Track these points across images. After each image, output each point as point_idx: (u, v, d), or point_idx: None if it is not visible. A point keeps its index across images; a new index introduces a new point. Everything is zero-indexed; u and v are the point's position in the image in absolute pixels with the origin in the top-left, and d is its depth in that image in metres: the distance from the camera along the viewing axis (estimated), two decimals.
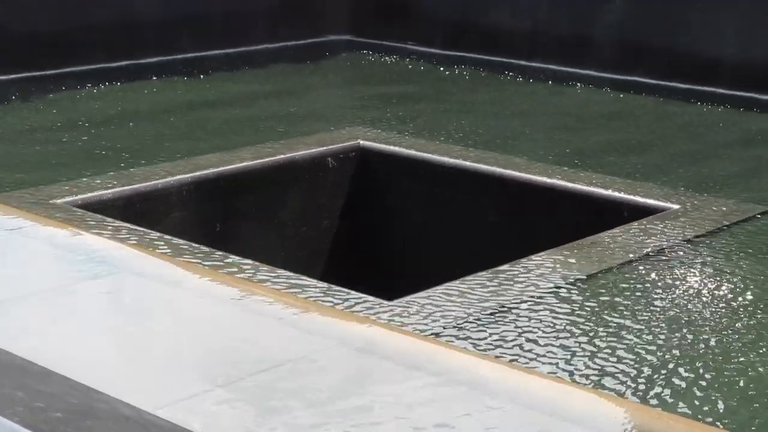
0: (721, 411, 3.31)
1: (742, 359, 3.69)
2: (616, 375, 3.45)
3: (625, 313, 3.99)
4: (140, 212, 5.51)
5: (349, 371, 2.64)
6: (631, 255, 4.60)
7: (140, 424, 1.69)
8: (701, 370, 3.58)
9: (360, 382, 2.58)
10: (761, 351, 3.75)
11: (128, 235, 4.43)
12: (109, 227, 4.61)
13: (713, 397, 3.39)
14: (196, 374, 2.53)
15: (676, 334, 3.85)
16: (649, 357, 3.62)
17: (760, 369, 3.61)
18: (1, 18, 9.21)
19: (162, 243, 4.40)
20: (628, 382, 3.42)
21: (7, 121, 7.79)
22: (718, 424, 3.22)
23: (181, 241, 4.51)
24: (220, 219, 6.13)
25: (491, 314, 3.87)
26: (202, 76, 9.31)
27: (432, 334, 3.59)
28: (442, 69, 9.82)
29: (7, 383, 1.77)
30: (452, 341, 3.53)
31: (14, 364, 1.97)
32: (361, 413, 2.31)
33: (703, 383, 3.48)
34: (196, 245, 4.51)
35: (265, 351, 2.66)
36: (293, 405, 2.33)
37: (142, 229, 4.66)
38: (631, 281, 4.34)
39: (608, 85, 9.35)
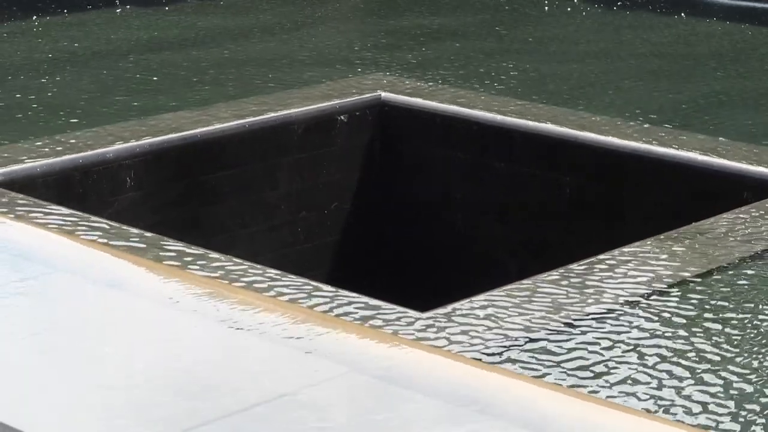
0: None
1: None
2: (720, 413, 3.45)
3: (740, 330, 3.98)
4: (82, 192, 5.53)
5: (366, 407, 2.65)
6: (744, 249, 4.58)
7: None
8: None
9: (381, 422, 2.59)
10: None
11: (66, 223, 4.44)
12: (40, 212, 4.62)
13: None
14: (156, 415, 2.55)
15: None
16: (758, 380, 3.61)
17: None
18: None
19: (111, 233, 4.41)
20: (718, 413, 3.42)
21: None
22: None
23: (137, 231, 4.52)
24: (188, 200, 6.14)
25: (559, 330, 3.87)
26: (159, 6, 9.31)
27: (478, 356, 3.60)
28: None
29: None
30: (506, 367, 3.54)
31: None
32: None
33: None
34: (157, 236, 4.52)
35: (252, 381, 2.67)
36: None
37: (84, 214, 4.67)
38: (751, 285, 4.33)
39: (720, 14, 9.31)
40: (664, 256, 4.56)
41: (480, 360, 3.55)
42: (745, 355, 3.81)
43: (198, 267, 4.12)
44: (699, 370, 3.70)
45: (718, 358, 3.78)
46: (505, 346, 3.74)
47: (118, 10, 9.16)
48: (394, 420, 2.57)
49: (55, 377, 2.76)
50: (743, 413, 3.48)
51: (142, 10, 9.19)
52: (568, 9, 9.37)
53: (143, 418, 2.55)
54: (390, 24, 8.97)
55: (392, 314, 3.91)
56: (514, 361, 3.64)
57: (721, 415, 3.45)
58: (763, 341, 3.92)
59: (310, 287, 4.09)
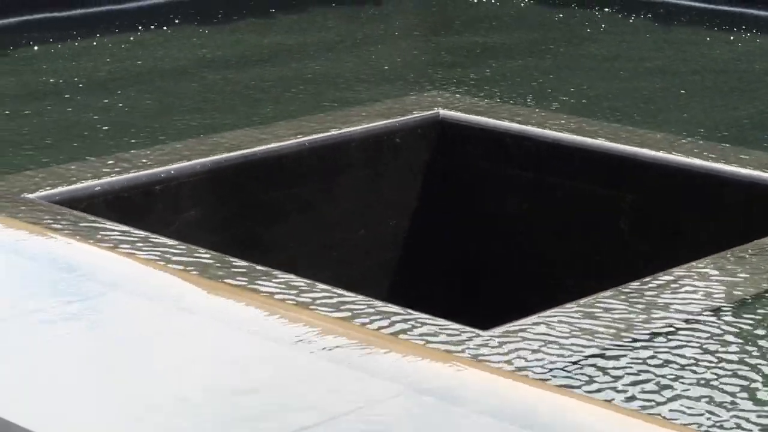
0: None
1: None
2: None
3: None
4: (142, 210, 5.54)
5: (424, 427, 2.63)
6: None
7: None
8: None
9: None
10: None
11: (126, 242, 4.45)
12: (101, 231, 4.63)
13: None
14: None
15: None
16: None
17: None
18: None
19: (172, 252, 4.42)
20: None
21: None
22: None
23: (197, 249, 4.53)
24: (248, 218, 6.14)
25: (616, 348, 3.83)
26: (221, 25, 9.35)
27: (537, 375, 3.57)
28: (552, 10, 9.77)
29: None
30: (564, 385, 3.51)
31: None
32: None
33: None
34: (218, 254, 4.52)
35: (310, 401, 2.66)
36: None
37: (144, 233, 4.68)
38: None
39: None
40: (723, 274, 4.52)
41: (538, 379, 3.52)
42: None
43: (257, 285, 4.11)
44: (755, 389, 3.65)
45: None
46: (563, 365, 3.71)
47: (178, 29, 9.20)
48: None
49: (112, 397, 2.75)
50: None
51: (203, 28, 9.22)
52: (625, 26, 9.33)
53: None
54: (447, 42, 8.97)
55: (451, 332, 3.89)
56: (571, 380, 3.61)
57: None
58: None
59: (369, 306, 4.07)
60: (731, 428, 3.42)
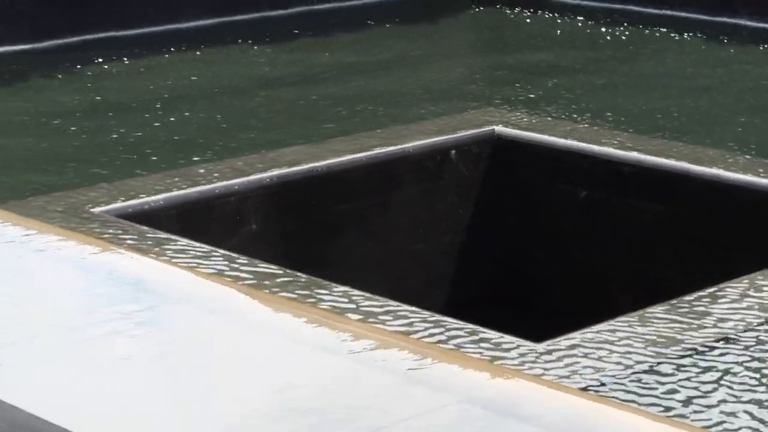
0: None
1: None
2: None
3: None
4: (204, 224, 5.54)
5: None
6: None
7: None
8: None
9: None
10: None
11: (188, 256, 4.45)
12: (161, 244, 4.64)
13: None
14: None
15: None
16: None
17: None
18: None
19: (232, 265, 4.41)
20: None
21: (26, 104, 7.93)
22: None
23: (257, 263, 4.52)
24: (308, 232, 6.13)
25: (676, 361, 3.79)
26: (281, 43, 9.37)
27: (594, 388, 3.53)
28: (602, 29, 9.75)
29: None
30: (615, 398, 3.47)
31: (14, 421, 1.98)
32: None
33: None
34: (277, 267, 4.51)
35: (362, 411, 2.63)
36: None
37: (206, 246, 4.68)
38: None
39: None
40: None
41: (590, 391, 3.48)
42: None
43: (315, 298, 4.09)
44: None
45: None
46: (616, 377, 3.67)
47: (240, 47, 9.23)
48: None
49: (171, 407, 2.74)
50: None
51: (266, 47, 9.25)
52: (675, 44, 9.29)
53: None
54: (500, 60, 8.95)
55: (505, 345, 3.85)
56: (625, 392, 3.57)
57: None
58: None
59: (424, 318, 4.04)
60: None
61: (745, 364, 3.80)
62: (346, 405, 2.62)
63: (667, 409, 3.48)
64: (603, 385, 3.61)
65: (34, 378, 2.87)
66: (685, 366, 3.75)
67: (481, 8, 10.85)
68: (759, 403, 3.57)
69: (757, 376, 3.73)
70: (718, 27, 9.65)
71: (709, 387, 3.62)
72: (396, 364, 2.88)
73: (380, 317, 3.96)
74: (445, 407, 2.64)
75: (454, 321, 4.06)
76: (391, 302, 4.21)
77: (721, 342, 3.94)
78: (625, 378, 3.66)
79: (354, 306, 4.06)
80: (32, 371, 2.91)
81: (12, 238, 3.74)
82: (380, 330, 3.57)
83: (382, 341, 3.04)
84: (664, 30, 9.75)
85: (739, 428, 3.39)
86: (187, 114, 7.52)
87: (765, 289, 4.41)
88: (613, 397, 3.48)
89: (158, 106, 7.76)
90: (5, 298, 3.36)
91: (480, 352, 3.71)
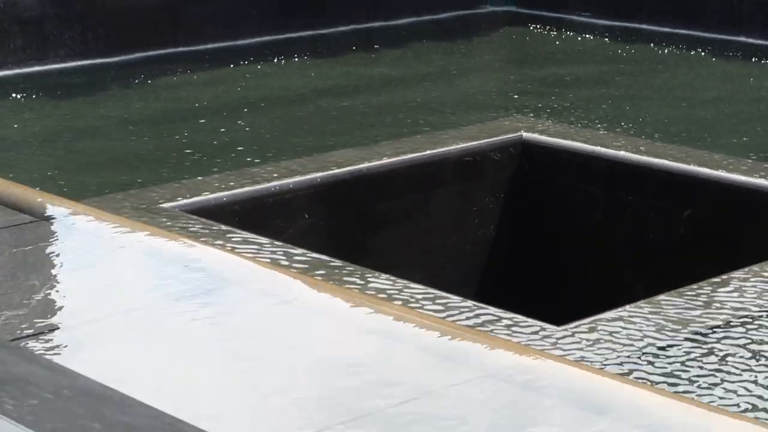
0: None
1: None
2: None
3: None
4: (261, 219, 5.54)
5: (500, 410, 2.58)
6: None
7: None
8: None
9: (515, 425, 2.52)
10: None
11: (246, 246, 4.45)
12: (224, 236, 4.64)
13: None
14: (312, 412, 2.52)
15: None
16: None
17: None
18: None
19: (286, 255, 4.41)
20: None
21: (107, 112, 7.97)
22: None
23: (308, 253, 4.51)
24: (354, 227, 6.13)
25: (684, 343, 3.76)
26: (331, 58, 9.38)
27: (611, 367, 3.51)
28: (619, 46, 9.69)
29: (82, 412, 1.78)
30: (637, 377, 3.44)
31: (92, 391, 1.98)
32: None
33: None
34: (327, 258, 4.50)
35: (401, 382, 2.63)
36: None
37: (263, 238, 4.68)
38: None
39: None
40: None
41: (605, 369, 3.46)
42: None
43: (361, 285, 4.09)
44: None
45: None
46: (628, 357, 3.65)
47: (296, 62, 9.23)
48: (522, 416, 2.50)
49: (229, 377, 2.74)
50: None
51: (318, 60, 9.25)
52: (685, 60, 9.23)
53: (310, 411, 2.52)
54: (529, 73, 8.92)
55: (531, 328, 3.84)
56: (636, 371, 3.55)
57: None
58: None
59: (458, 304, 4.03)
60: None
61: (746, 346, 3.78)
62: (384, 377, 2.62)
63: (675, 385, 3.46)
64: (619, 364, 3.59)
65: (109, 351, 2.88)
66: (691, 347, 3.73)
67: (512, 27, 10.79)
68: (755, 381, 3.55)
69: (756, 356, 3.71)
70: (724, 44, 9.58)
71: (713, 366, 3.60)
72: (432, 343, 2.87)
73: (420, 302, 3.95)
74: (474, 380, 2.63)
75: (485, 306, 4.05)
76: (430, 289, 4.21)
77: (724, 325, 3.92)
78: (638, 358, 3.64)
79: (396, 292, 4.06)
80: (108, 346, 2.92)
81: (92, 230, 3.76)
82: (419, 313, 3.57)
83: (420, 323, 3.03)
84: (676, 47, 9.68)
85: (738, 404, 3.37)
86: (249, 121, 7.54)
87: (763, 278, 4.38)
88: (626, 374, 3.46)
89: (222, 114, 7.78)
90: (87, 282, 3.38)
91: (508, 334, 3.69)
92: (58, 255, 3.59)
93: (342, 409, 2.51)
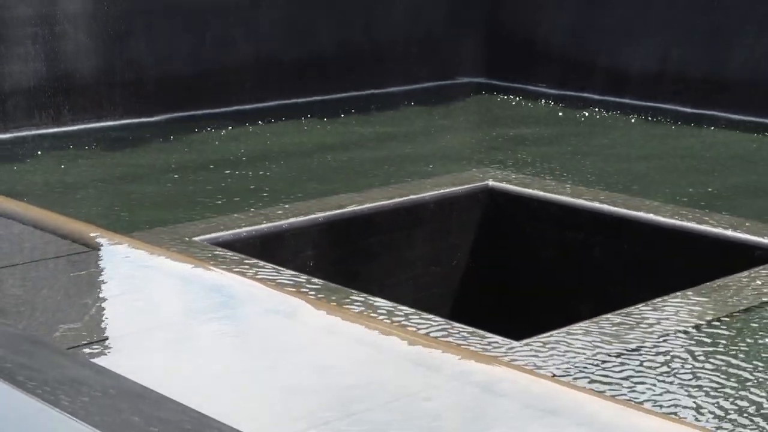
0: None
1: None
2: (733, 418, 3.31)
3: (752, 359, 3.83)
4: (274, 250, 5.54)
5: (467, 410, 2.58)
6: (759, 299, 4.43)
7: None
8: None
9: (479, 421, 2.52)
10: None
11: (261, 272, 4.45)
12: (243, 264, 4.64)
13: None
14: (311, 410, 2.51)
15: None
16: None
17: None
18: (142, 63, 9.46)
19: (295, 281, 4.41)
20: (744, 426, 3.28)
21: (148, 161, 7.98)
22: None
23: (313, 280, 4.51)
24: (350, 258, 6.13)
25: (617, 356, 3.76)
26: (333, 118, 9.42)
27: (558, 374, 3.50)
28: (568, 111, 9.73)
29: (125, 408, 1.79)
30: (577, 383, 3.44)
31: (133, 390, 1.99)
32: None
33: None
34: (326, 283, 4.50)
35: (383, 386, 2.63)
36: None
37: (275, 267, 4.68)
38: (759, 327, 4.18)
39: (740, 128, 9.10)
40: (691, 304, 4.45)
41: (555, 376, 3.46)
42: (756, 371, 3.68)
43: (355, 306, 4.09)
44: (727, 383, 3.57)
45: (735, 379, 3.64)
46: (575, 366, 3.65)
47: (305, 122, 9.25)
48: (485, 417, 2.49)
49: (244, 378, 2.74)
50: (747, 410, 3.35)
51: (324, 121, 9.26)
52: (622, 123, 9.28)
53: (310, 408, 2.52)
54: (494, 133, 8.94)
55: (495, 342, 3.84)
56: (580, 378, 3.54)
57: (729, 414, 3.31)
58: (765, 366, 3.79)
59: (436, 322, 4.03)
60: (695, 405, 3.34)
61: (677, 356, 3.79)
62: (371, 380, 2.62)
63: (616, 389, 3.46)
64: (568, 373, 3.59)
65: (147, 358, 2.88)
66: (631, 358, 3.73)
67: (481, 95, 10.83)
68: (684, 384, 3.55)
69: (686, 365, 3.71)
70: (653, 110, 9.61)
71: (643, 374, 3.60)
72: (411, 353, 2.87)
73: (402, 320, 3.95)
74: (444, 384, 2.63)
75: (457, 324, 4.05)
76: (411, 310, 4.21)
77: (660, 339, 3.93)
78: (584, 367, 3.64)
79: (384, 312, 4.06)
80: (146, 354, 2.92)
81: (134, 258, 3.76)
82: (402, 328, 3.56)
83: (402, 336, 3.03)
84: (613, 112, 9.71)
85: (672, 402, 3.37)
86: (265, 169, 7.55)
87: (693, 301, 4.39)
88: (572, 381, 3.46)
89: (244, 163, 7.79)
90: (130, 301, 3.38)
91: (475, 347, 3.69)
92: (107, 279, 3.59)
93: (336, 407, 2.50)
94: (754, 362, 3.80)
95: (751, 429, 3.28)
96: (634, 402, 3.31)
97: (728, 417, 3.34)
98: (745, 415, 3.39)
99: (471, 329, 3.97)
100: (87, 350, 2.84)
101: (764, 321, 4.21)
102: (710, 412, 3.36)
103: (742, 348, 3.94)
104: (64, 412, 1.62)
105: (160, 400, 1.89)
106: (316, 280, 4.50)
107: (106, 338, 2.99)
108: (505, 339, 3.91)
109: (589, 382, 3.51)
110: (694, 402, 3.43)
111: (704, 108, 9.72)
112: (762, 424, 3.34)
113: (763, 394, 3.53)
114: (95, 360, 2.77)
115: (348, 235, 6.06)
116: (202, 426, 1.77)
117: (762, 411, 3.43)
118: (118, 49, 9.49)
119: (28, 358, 2.07)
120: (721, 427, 3.25)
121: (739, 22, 10.13)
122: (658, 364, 3.70)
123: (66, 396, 1.77)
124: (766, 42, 9.89)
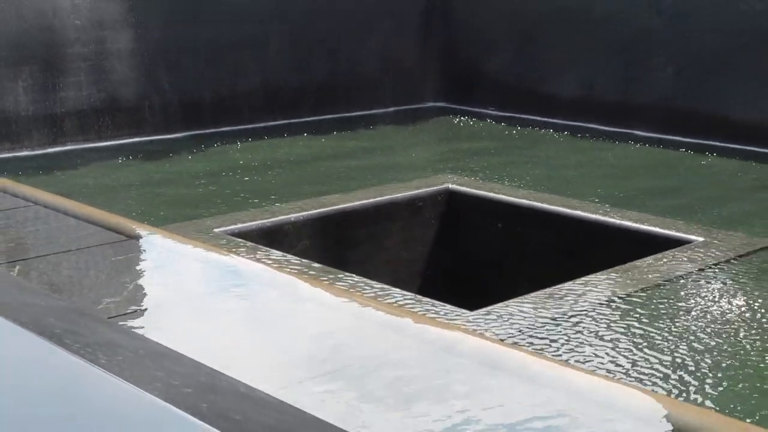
0: (730, 396, 3.17)
1: (756, 356, 3.52)
2: (646, 371, 3.32)
3: (658, 323, 3.84)
4: (276, 239, 5.53)
5: (429, 365, 2.56)
6: (663, 277, 4.45)
7: (253, 400, 1.65)
8: (723, 366, 3.41)
9: (439, 375, 2.50)
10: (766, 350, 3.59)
11: (267, 257, 4.43)
12: (253, 250, 4.62)
13: (723, 386, 3.25)
14: (305, 365, 2.50)
15: (704, 338, 3.69)
16: (682, 357, 3.48)
17: (761, 365, 3.46)
18: (170, 90, 9.45)
19: (292, 263, 4.39)
20: (656, 377, 3.28)
21: (176, 169, 7.95)
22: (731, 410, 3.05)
23: (307, 262, 4.50)
24: (338, 246, 6.12)
25: (550, 322, 3.76)
26: (325, 135, 9.43)
27: (503, 338, 3.50)
28: (511, 129, 9.75)
29: (151, 365, 1.77)
30: (519, 344, 3.44)
31: (158, 351, 1.97)
32: (438, 401, 2.23)
33: (722, 376, 3.32)
34: (319, 265, 4.49)
35: (361, 347, 2.61)
36: (381, 389, 2.27)
37: (278, 252, 4.67)
38: (667, 298, 4.19)
39: (647, 142, 9.14)
40: (610, 281, 4.45)
41: (503, 340, 3.45)
42: (666, 336, 3.68)
43: (342, 284, 4.07)
44: (639, 344, 3.57)
45: (643, 339, 3.65)
46: (517, 332, 3.65)
47: (302, 138, 9.22)
48: (443, 372, 2.48)
49: (254, 343, 2.72)
50: (656, 364, 3.35)
51: (317, 137, 9.23)
52: (554, 139, 9.30)
53: (304, 365, 2.50)
54: (452, 147, 8.94)
55: (452, 311, 3.83)
56: (523, 342, 3.54)
57: (647, 367, 3.31)
58: (672, 327, 3.80)
59: (406, 296, 4.02)
60: (614, 360, 3.34)
61: (600, 321, 3.79)
62: (353, 341, 2.62)
63: (549, 349, 3.46)
64: (509, 336, 3.59)
65: (171, 325, 2.85)
66: (562, 324, 3.73)
67: (442, 116, 10.84)
68: (605, 344, 3.56)
69: (606, 329, 3.71)
70: (579, 128, 9.64)
71: (570, 338, 3.60)
72: (385, 320, 2.86)
73: (379, 294, 3.94)
74: (411, 345, 2.62)
75: (423, 297, 4.04)
76: (386, 286, 4.20)
77: (585, 309, 3.93)
78: (524, 331, 3.64)
79: (367, 288, 4.05)
80: (178, 318, 2.90)
81: (165, 246, 3.73)
82: (379, 301, 3.55)
83: (379, 308, 3.02)
84: (549, 131, 9.72)
85: (584, 361, 3.37)
86: (270, 175, 7.51)
87: (611, 279, 4.40)
88: (515, 343, 3.46)
89: (254, 170, 7.75)
90: (159, 280, 3.35)
91: (435, 315, 3.68)
92: (142, 262, 3.56)
93: (322, 365, 2.48)
94: (660, 325, 3.81)
95: (657, 377, 3.29)
96: (565, 359, 3.31)
97: (639, 369, 3.34)
98: (655, 367, 3.39)
99: (433, 301, 3.96)
100: (123, 319, 2.81)
101: (667, 294, 4.22)
102: (625, 366, 3.36)
103: (651, 315, 3.94)
104: (102, 369, 1.59)
105: (180, 359, 1.87)
106: (312, 263, 4.49)
107: (139, 309, 2.96)
108: (461, 309, 3.90)
109: (528, 344, 3.51)
110: (613, 359, 3.43)
111: (619, 126, 9.77)
112: (666, 372, 3.35)
113: (668, 351, 3.54)
114: (129, 327, 2.74)
115: (337, 228, 6.05)
116: (214, 379, 1.74)
117: (664, 363, 3.43)
118: (152, 79, 9.49)
119: (74, 326, 2.04)
120: (632, 376, 3.25)
121: (647, 58, 10.22)
122: (584, 329, 3.70)
123: (104, 356, 1.75)
124: (667, 74, 9.97)
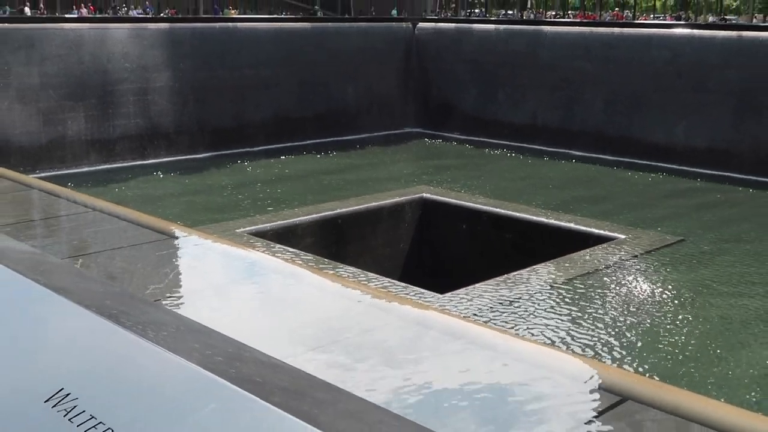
0: (649, 360, 3.19)
1: (669, 327, 3.56)
2: (581, 340, 3.34)
3: (592, 301, 3.87)
4: (286, 237, 5.53)
5: (407, 337, 2.57)
6: (594, 266, 4.48)
7: (271, 366, 1.66)
8: (642, 335, 3.45)
9: (415, 344, 2.51)
10: (679, 322, 3.62)
11: (278, 252, 4.42)
12: (269, 247, 4.61)
13: (647, 352, 3.27)
14: (309, 337, 2.50)
15: (626, 313, 3.72)
16: (608, 329, 3.51)
17: (676, 335, 3.48)
18: (201, 119, 9.45)
19: (299, 257, 4.39)
20: (595, 345, 3.30)
21: (206, 182, 7.95)
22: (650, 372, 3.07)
23: (310, 256, 4.49)
24: (335, 243, 6.13)
25: (504, 302, 3.78)
26: (323, 154, 9.44)
27: (466, 315, 3.51)
28: (472, 149, 9.79)
29: (189, 339, 1.77)
30: (479, 320, 3.45)
31: (193, 327, 1.97)
32: (415, 364, 2.24)
33: (641, 343, 3.35)
34: (320, 258, 4.48)
35: (350, 323, 2.61)
36: (370, 355, 2.29)
37: (287, 248, 4.66)
38: (596, 282, 4.22)
39: (582, 160, 9.20)
40: (553, 270, 4.46)
41: (469, 317, 3.46)
42: (599, 311, 3.71)
43: (341, 273, 4.07)
44: (575, 319, 3.59)
45: (582, 314, 3.67)
46: (478, 310, 3.65)
47: (305, 157, 9.21)
48: (419, 341, 2.48)
49: (266, 321, 2.71)
50: (598, 336, 3.36)
51: (317, 156, 9.23)
52: (507, 157, 9.34)
53: (308, 339, 2.49)
54: (426, 163, 8.96)
55: (427, 295, 3.84)
56: (482, 318, 3.55)
57: (589, 340, 3.32)
58: (602, 304, 3.82)
59: (390, 282, 4.03)
60: (555, 332, 3.35)
61: (545, 302, 3.80)
62: (347, 321, 2.61)
63: (505, 324, 3.47)
64: (474, 314, 3.60)
65: (203, 306, 2.84)
66: (507, 306, 3.74)
67: (419, 139, 10.87)
68: (551, 320, 3.57)
69: (551, 308, 3.73)
70: (526, 149, 9.69)
71: (519, 316, 3.61)
72: (373, 303, 2.86)
73: (368, 281, 3.94)
74: (394, 323, 2.62)
75: (403, 284, 4.04)
76: (374, 275, 4.20)
77: (534, 292, 3.94)
78: (485, 310, 3.64)
79: (360, 276, 4.05)
80: (206, 301, 2.88)
81: (198, 243, 3.71)
82: (368, 287, 3.55)
83: (369, 292, 3.02)
84: (501, 150, 9.77)
85: (542, 331, 3.38)
86: (280, 187, 7.50)
87: (553, 268, 4.42)
88: (481, 320, 3.47)
89: (267, 183, 7.74)
90: (192, 271, 3.32)
91: (412, 298, 3.69)
92: (179, 257, 3.54)
93: (324, 338, 2.48)
94: (592, 303, 3.84)
95: (589, 345, 3.31)
96: (515, 331, 3.33)
97: (575, 338, 3.37)
98: (588, 336, 3.42)
99: (411, 287, 3.97)
100: (165, 302, 2.81)
101: (598, 279, 4.25)
102: (564, 336, 3.39)
103: (585, 295, 3.97)
104: (150, 342, 1.60)
105: (211, 333, 1.87)
106: (315, 257, 4.48)
107: (178, 294, 2.95)
108: (433, 293, 3.91)
109: (486, 320, 3.53)
110: (554, 330, 3.45)
111: (559, 147, 9.83)
112: (597, 341, 3.37)
113: (601, 325, 3.56)
114: (170, 308, 2.73)
115: (335, 229, 6.05)
116: (238, 350, 1.75)
117: (596, 333, 3.46)
118: (186, 111, 9.50)
119: (127, 307, 2.03)
120: (569, 344, 3.27)
121: (581, 94, 10.27)
122: (531, 307, 3.72)
123: (152, 331, 1.75)
124: (597, 107, 10.04)
